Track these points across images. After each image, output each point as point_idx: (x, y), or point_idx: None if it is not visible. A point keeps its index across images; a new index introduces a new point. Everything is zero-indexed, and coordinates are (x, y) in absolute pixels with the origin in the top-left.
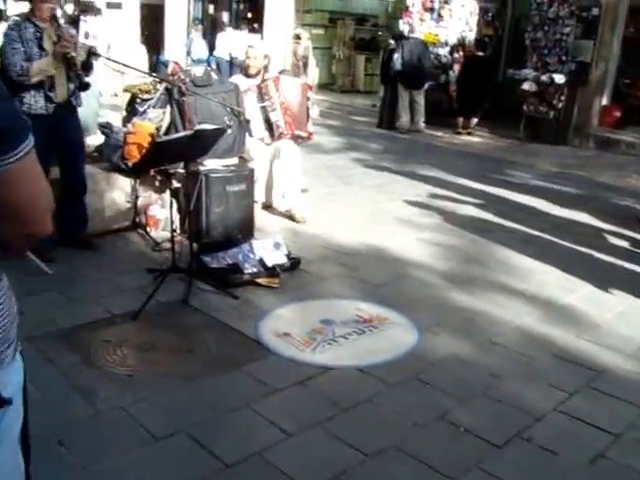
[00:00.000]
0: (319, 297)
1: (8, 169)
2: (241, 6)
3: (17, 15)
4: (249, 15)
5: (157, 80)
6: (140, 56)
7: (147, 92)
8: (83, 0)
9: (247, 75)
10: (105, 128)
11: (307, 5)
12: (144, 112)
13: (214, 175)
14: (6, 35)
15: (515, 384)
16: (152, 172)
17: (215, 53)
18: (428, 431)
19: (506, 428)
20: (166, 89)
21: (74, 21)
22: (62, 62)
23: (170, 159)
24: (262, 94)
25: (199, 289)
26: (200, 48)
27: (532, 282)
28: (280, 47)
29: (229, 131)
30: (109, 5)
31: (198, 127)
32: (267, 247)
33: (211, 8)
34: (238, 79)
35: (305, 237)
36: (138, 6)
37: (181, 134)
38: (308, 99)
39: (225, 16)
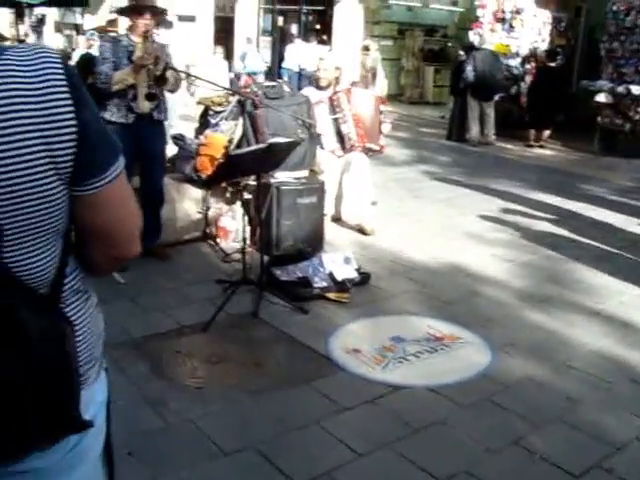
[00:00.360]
0: (389, 313)
1: (97, 192)
2: (310, 18)
3: (93, 29)
4: (318, 27)
5: (230, 92)
6: (220, 69)
7: (220, 104)
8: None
9: (318, 87)
10: (178, 140)
11: (376, 17)
12: (216, 124)
13: (285, 187)
14: (101, 46)
15: (593, 410)
16: (224, 184)
17: (284, 65)
18: (501, 457)
19: (584, 457)
20: (238, 101)
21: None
22: (142, 74)
23: (243, 172)
24: (334, 106)
25: (269, 302)
26: (254, 61)
27: (609, 302)
28: (349, 59)
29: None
30: (181, 18)
31: (272, 140)
32: (337, 261)
33: (280, 20)
34: (309, 91)
35: (374, 250)
36: (212, 19)
37: (255, 147)
38: (381, 112)
39: (294, 28)
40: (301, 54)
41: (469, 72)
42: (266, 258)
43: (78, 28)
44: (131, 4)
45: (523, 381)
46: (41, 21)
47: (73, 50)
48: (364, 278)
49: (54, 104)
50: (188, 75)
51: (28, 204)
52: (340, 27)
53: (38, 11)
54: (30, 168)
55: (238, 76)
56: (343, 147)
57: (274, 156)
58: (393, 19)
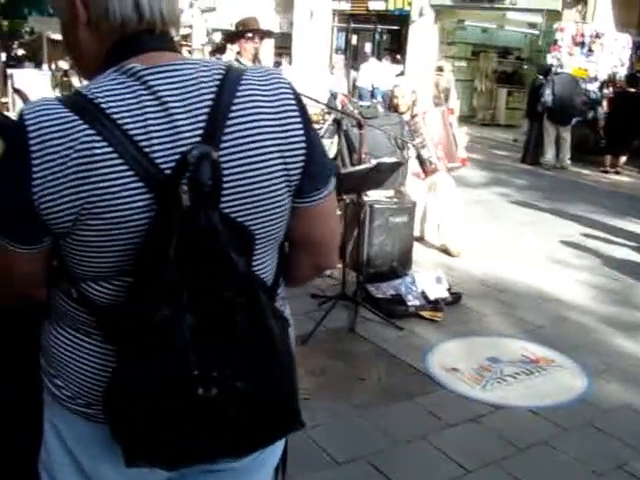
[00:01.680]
0: (482, 334)
1: (316, 205)
2: (384, 37)
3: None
4: (392, 46)
5: (327, 111)
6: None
7: (316, 122)
8: (228, 30)
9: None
10: None
11: (451, 37)
12: None
13: (378, 206)
14: None
15: None
16: None
17: (357, 83)
18: None
19: None
20: (335, 120)
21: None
22: None
23: (347, 190)
24: (412, 132)
25: (364, 318)
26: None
27: None
28: (422, 79)
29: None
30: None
31: (379, 160)
32: (429, 280)
33: (354, 39)
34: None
35: (461, 271)
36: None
37: (364, 166)
38: (451, 125)
39: (368, 47)
40: (375, 73)
41: (547, 96)
42: (361, 275)
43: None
44: (240, 30)
45: (623, 408)
46: None
47: None
48: (455, 298)
49: (288, 121)
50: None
51: (268, 213)
52: (414, 47)
53: None
54: (270, 180)
55: (335, 95)
56: (425, 171)
57: (378, 176)
58: (468, 40)
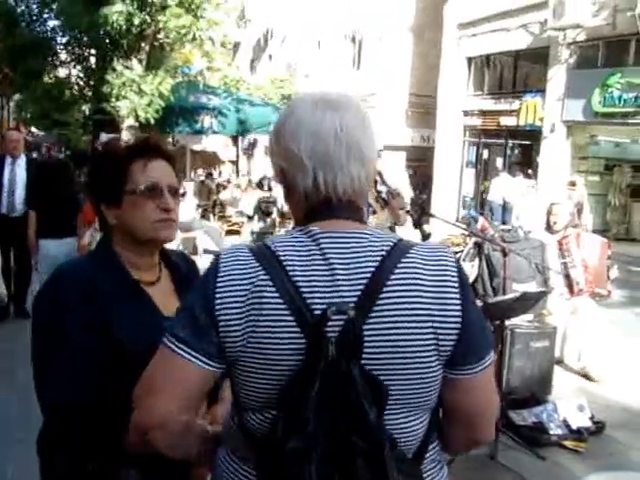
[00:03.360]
0: (631, 468)
1: (470, 378)
2: (515, 151)
3: None
4: (523, 161)
5: (467, 234)
6: None
7: (457, 245)
8: None
9: (550, 231)
10: None
11: (583, 152)
12: None
13: (519, 330)
14: None
15: None
16: None
17: (489, 197)
18: None
19: None
20: (475, 243)
21: None
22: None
23: (491, 317)
24: (563, 250)
25: (505, 445)
26: None
27: None
28: (555, 193)
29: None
30: (386, 147)
31: (525, 290)
32: (571, 408)
33: (485, 153)
34: (540, 234)
35: (603, 398)
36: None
37: (510, 296)
38: (608, 257)
39: (499, 161)
40: (506, 187)
41: None
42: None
43: None
44: None
45: None
46: (253, 145)
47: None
48: (599, 427)
49: (445, 296)
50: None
51: (412, 377)
52: (546, 162)
53: (251, 135)
54: (419, 347)
55: (475, 218)
56: (571, 291)
57: (523, 304)
58: (600, 155)
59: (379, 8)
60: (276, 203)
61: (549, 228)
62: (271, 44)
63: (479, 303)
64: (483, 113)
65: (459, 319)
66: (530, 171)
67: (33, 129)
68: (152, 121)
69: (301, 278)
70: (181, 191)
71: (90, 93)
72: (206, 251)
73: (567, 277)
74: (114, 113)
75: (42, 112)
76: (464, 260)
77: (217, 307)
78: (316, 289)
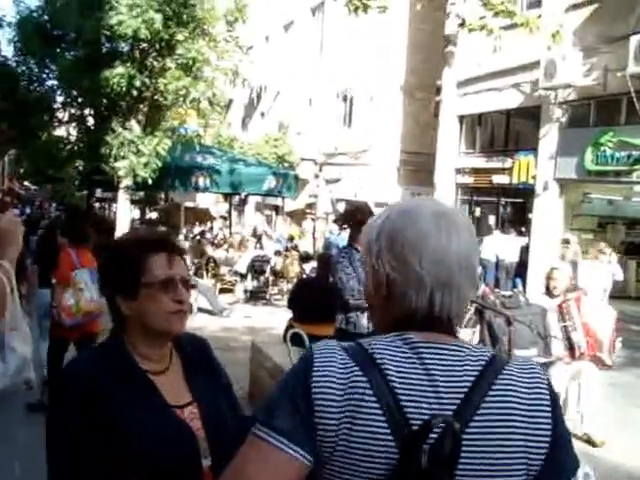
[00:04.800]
0: None
1: None
2: (508, 209)
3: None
4: (515, 218)
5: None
6: None
7: None
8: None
9: (549, 295)
10: None
11: (576, 210)
12: None
13: None
14: (338, 262)
15: None
16: None
17: (482, 255)
18: None
19: None
20: (477, 309)
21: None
22: None
23: None
24: (563, 314)
25: None
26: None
27: None
28: (548, 252)
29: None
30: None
31: (526, 355)
32: (577, 477)
33: (477, 211)
34: (539, 298)
35: (607, 465)
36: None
37: None
38: (615, 331)
39: (491, 219)
40: (499, 245)
41: None
42: None
43: (277, 209)
44: (360, 218)
45: None
46: (244, 201)
47: (273, 230)
48: None
49: (539, 416)
50: None
51: None
52: (539, 220)
53: None
54: (510, 465)
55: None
56: (572, 355)
57: None
58: (594, 212)
59: (370, 68)
60: (270, 262)
61: (548, 292)
62: (263, 102)
63: None
64: (475, 171)
65: (549, 438)
66: (523, 229)
67: (26, 183)
68: (149, 181)
69: (400, 386)
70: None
71: (85, 150)
72: (200, 310)
73: (568, 340)
74: (112, 173)
75: (37, 168)
76: (465, 326)
77: (315, 401)
78: (416, 399)
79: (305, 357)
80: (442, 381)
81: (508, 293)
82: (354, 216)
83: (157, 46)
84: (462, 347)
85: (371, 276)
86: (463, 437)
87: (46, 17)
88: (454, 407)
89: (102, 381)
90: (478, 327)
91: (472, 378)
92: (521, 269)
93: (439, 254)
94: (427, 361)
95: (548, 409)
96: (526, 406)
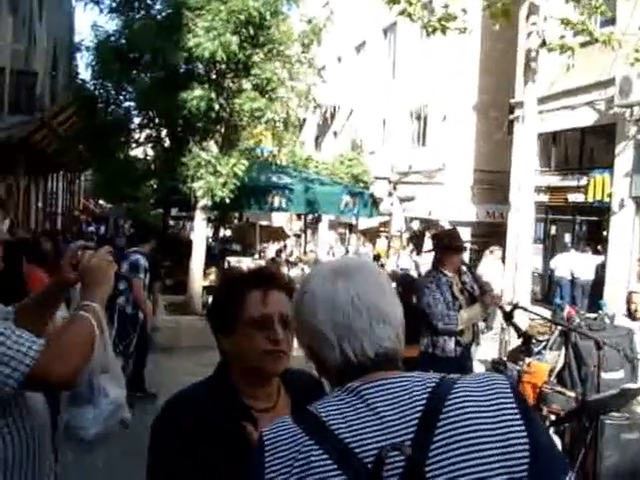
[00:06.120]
0: None
1: None
2: (583, 227)
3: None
4: (590, 236)
5: (554, 323)
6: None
7: (542, 334)
8: (429, 218)
9: (632, 318)
10: (498, 364)
11: None
12: (539, 352)
13: (609, 422)
14: (426, 287)
15: None
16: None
17: (556, 273)
18: None
19: None
20: (562, 332)
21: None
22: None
23: (588, 414)
24: None
25: None
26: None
27: None
28: (624, 270)
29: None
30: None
31: (625, 386)
32: None
33: (553, 229)
34: (622, 320)
35: None
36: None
37: (610, 392)
38: None
39: (567, 237)
40: (574, 263)
41: None
42: None
43: (352, 227)
44: (448, 243)
45: None
46: (317, 219)
47: (347, 248)
48: None
49: (507, 424)
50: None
51: None
52: (615, 237)
53: None
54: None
55: (562, 307)
56: None
57: (619, 400)
58: None
59: (443, 87)
60: None
61: (630, 315)
62: (336, 121)
63: (571, 395)
64: (550, 190)
65: (526, 445)
66: (599, 247)
67: (101, 202)
68: (227, 201)
69: (347, 434)
70: None
71: (161, 170)
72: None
73: None
74: (189, 193)
75: (112, 187)
76: (550, 349)
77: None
78: (366, 441)
79: (258, 439)
80: (390, 415)
81: (593, 315)
82: (442, 240)
83: (233, 67)
84: (404, 377)
85: (305, 353)
86: (428, 465)
87: (123, 41)
88: (410, 435)
89: (209, 414)
90: (563, 349)
91: (423, 402)
92: (597, 287)
93: (329, 301)
94: (370, 401)
95: (517, 417)
96: (490, 418)
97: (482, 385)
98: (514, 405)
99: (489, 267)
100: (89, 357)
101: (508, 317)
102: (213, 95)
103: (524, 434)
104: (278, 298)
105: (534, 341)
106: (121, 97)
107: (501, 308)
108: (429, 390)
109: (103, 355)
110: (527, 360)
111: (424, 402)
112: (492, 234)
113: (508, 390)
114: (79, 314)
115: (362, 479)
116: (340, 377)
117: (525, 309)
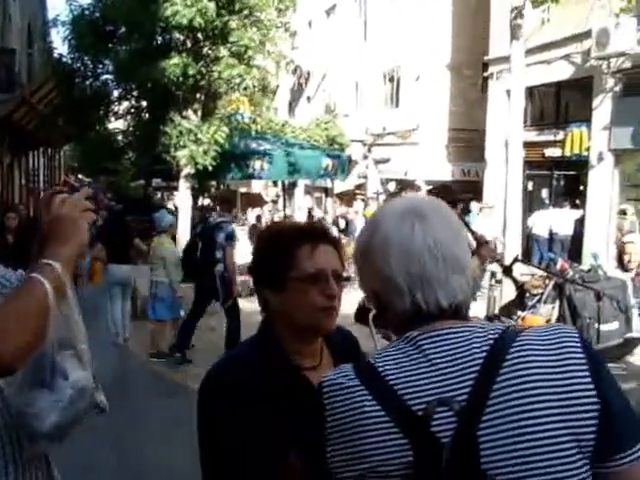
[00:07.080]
0: None
1: (623, 470)
2: (561, 182)
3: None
4: (568, 191)
5: (546, 275)
6: None
7: (537, 287)
8: (405, 179)
9: (624, 269)
10: (492, 319)
11: (632, 180)
12: (534, 306)
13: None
14: None
15: None
16: None
17: (534, 231)
18: None
19: None
20: (556, 285)
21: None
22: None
23: None
24: (637, 288)
25: None
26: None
27: None
28: (603, 223)
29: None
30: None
31: (628, 335)
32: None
33: (530, 184)
34: (612, 272)
35: None
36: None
37: (615, 342)
38: None
39: (545, 192)
40: (553, 219)
41: None
42: None
43: (327, 191)
44: (442, 198)
45: None
46: (293, 184)
47: (325, 213)
48: None
49: (572, 377)
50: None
51: (547, 477)
52: (594, 191)
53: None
54: (550, 441)
55: (555, 260)
56: None
57: (622, 349)
58: None
59: (415, 47)
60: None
61: (622, 266)
62: (309, 86)
63: None
64: (527, 145)
65: (595, 403)
66: (578, 201)
67: (80, 176)
68: (210, 168)
69: (403, 385)
70: (345, 274)
71: (140, 141)
72: None
73: None
74: (173, 162)
75: (92, 161)
76: (545, 302)
77: (326, 430)
78: (420, 393)
79: (316, 388)
80: (447, 367)
81: (586, 267)
82: (436, 195)
83: (210, 34)
84: (466, 327)
85: (368, 297)
86: (483, 422)
87: (97, 14)
88: (467, 389)
89: (258, 376)
90: (557, 302)
91: (483, 354)
92: (576, 242)
93: (404, 249)
94: (428, 352)
95: (584, 370)
96: (553, 373)
97: (548, 337)
98: (581, 355)
99: (481, 224)
100: (42, 332)
101: (508, 270)
102: (190, 62)
103: (592, 392)
104: (331, 253)
105: (528, 295)
106: (99, 70)
107: (499, 261)
108: (490, 342)
109: (64, 327)
110: (521, 314)
111: (484, 355)
112: (468, 192)
113: (577, 342)
114: (31, 277)
115: (412, 432)
116: (404, 325)
117: (526, 262)
